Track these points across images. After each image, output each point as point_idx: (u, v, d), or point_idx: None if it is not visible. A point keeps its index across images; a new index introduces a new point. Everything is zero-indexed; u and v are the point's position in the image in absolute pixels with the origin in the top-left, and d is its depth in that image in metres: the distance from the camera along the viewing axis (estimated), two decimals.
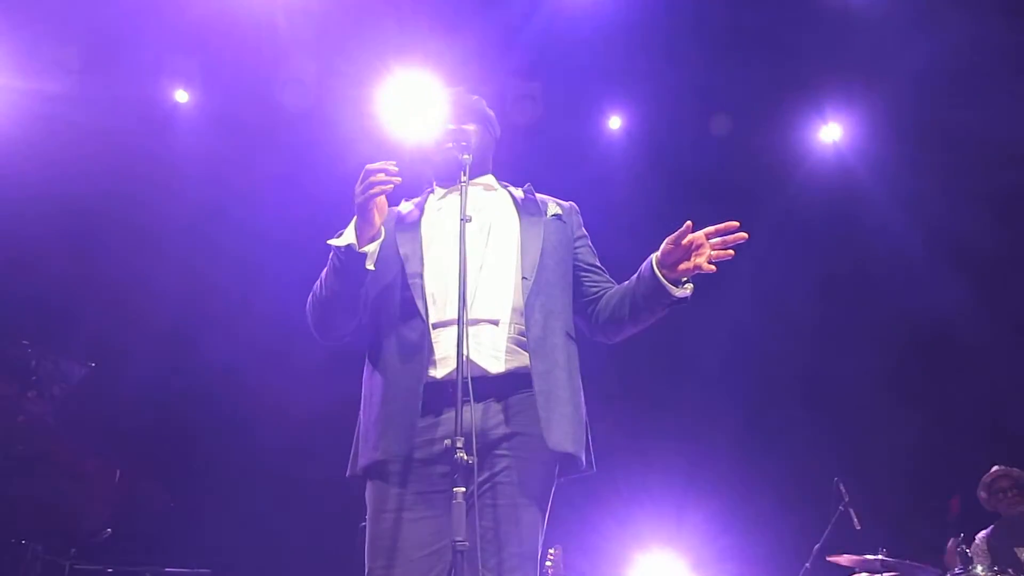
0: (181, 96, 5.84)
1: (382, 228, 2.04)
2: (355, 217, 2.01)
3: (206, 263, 5.79)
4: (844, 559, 4.53)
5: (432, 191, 2.31)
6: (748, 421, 5.99)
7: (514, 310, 2.03)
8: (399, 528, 1.92)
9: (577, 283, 2.22)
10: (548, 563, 4.21)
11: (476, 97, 2.36)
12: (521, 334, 2.01)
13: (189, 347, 5.63)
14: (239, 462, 5.44)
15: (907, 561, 4.42)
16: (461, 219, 1.97)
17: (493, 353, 1.98)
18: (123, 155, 5.59)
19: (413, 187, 2.36)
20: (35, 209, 5.40)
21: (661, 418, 6.00)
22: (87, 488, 4.27)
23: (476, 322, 1.97)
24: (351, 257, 1.98)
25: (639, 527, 5.71)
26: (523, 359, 1.99)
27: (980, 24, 5.23)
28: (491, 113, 2.40)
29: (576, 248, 2.25)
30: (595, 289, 2.22)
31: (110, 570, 4.22)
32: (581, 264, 2.24)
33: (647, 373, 6.15)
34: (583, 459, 2.03)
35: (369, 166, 1.97)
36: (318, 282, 2.11)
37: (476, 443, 1.79)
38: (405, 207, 2.29)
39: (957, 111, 5.74)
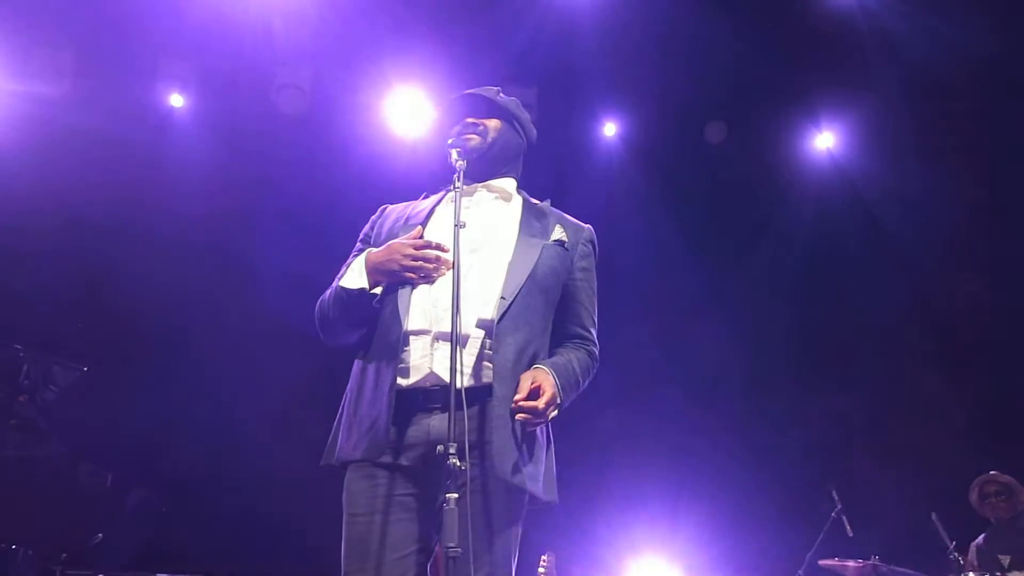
0: (176, 100, 5.84)
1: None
2: (364, 263, 2.06)
3: (201, 266, 5.79)
4: (837, 565, 4.54)
5: (448, 190, 2.25)
6: (741, 426, 6.00)
7: (487, 329, 1.98)
8: (374, 531, 1.93)
9: (559, 311, 2.16)
10: (541, 569, 4.21)
11: (512, 98, 2.32)
12: (489, 349, 1.97)
13: (182, 350, 5.62)
14: (232, 467, 5.42)
15: (899, 567, 4.42)
16: (455, 225, 1.97)
17: (459, 368, 1.92)
18: (118, 159, 5.58)
19: (432, 183, 2.36)
20: (29, 212, 5.39)
21: (654, 424, 6.00)
22: (78, 493, 4.25)
23: (446, 336, 1.92)
24: (362, 297, 2.05)
25: (632, 533, 5.71)
26: (487, 375, 1.96)
27: (974, 33, 5.28)
28: (524, 114, 2.35)
29: (573, 278, 2.17)
30: (565, 331, 2.17)
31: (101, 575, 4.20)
32: (570, 297, 2.17)
33: (640, 379, 6.15)
34: (531, 492, 1.97)
35: (428, 250, 2.02)
36: (327, 299, 2.14)
37: (453, 449, 1.77)
38: (421, 204, 2.28)
39: (949, 117, 5.79)
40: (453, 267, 1.93)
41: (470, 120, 2.23)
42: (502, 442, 1.92)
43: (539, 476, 2.01)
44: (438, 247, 2.03)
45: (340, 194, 5.50)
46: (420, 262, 2.01)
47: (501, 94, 2.32)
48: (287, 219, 5.59)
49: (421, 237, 2.09)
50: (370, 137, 5.92)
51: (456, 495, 1.75)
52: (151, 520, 4.69)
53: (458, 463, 1.76)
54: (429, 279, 2.02)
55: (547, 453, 2.08)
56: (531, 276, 2.05)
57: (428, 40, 5.64)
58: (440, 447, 1.79)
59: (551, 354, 2.12)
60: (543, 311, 2.09)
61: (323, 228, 5.08)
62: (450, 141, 2.17)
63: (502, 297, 2.00)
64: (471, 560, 1.83)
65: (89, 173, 5.46)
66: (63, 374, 4.35)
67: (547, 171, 5.85)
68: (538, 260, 2.08)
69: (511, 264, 2.06)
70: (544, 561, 4.23)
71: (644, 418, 6.04)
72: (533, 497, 2.01)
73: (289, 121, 5.87)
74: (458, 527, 1.72)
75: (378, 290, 2.06)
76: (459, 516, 1.73)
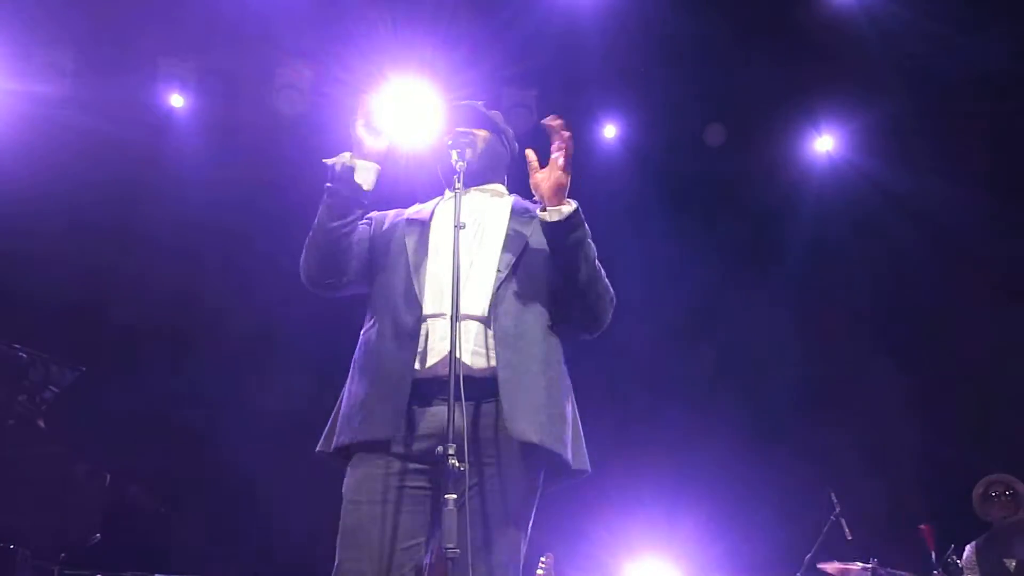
0: (176, 101, 5.84)
1: (377, 166, 2.14)
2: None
3: (200, 267, 5.79)
4: (835, 568, 4.54)
5: (443, 195, 2.33)
6: (741, 429, 5.99)
7: (492, 305, 2.03)
8: (373, 521, 1.92)
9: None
10: (540, 571, 4.20)
11: (495, 112, 2.40)
12: (492, 324, 2.01)
13: (182, 351, 5.61)
14: (230, 468, 5.42)
15: (898, 571, 4.42)
16: (455, 226, 1.99)
17: (477, 349, 1.99)
18: (118, 159, 5.59)
19: (426, 189, 2.39)
20: (29, 211, 5.38)
21: (653, 424, 6.00)
22: (77, 493, 4.25)
23: (463, 318, 1.97)
24: (344, 175, 2.08)
25: (631, 534, 5.71)
26: (492, 355, 1.99)
27: (975, 36, 5.29)
28: (508, 129, 2.43)
29: None
30: None
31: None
32: None
33: (639, 378, 6.15)
34: (560, 453, 1.99)
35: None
36: (314, 224, 2.16)
37: (465, 446, 1.78)
38: (418, 207, 2.32)
39: (951, 121, 5.80)
40: (453, 267, 1.94)
41: (461, 129, 2.26)
42: (515, 403, 1.92)
43: (566, 438, 2.02)
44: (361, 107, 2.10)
45: None
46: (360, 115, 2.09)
47: (484, 107, 2.39)
48: (287, 219, 5.57)
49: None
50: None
51: (455, 496, 1.74)
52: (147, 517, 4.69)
53: (457, 464, 1.75)
54: (365, 113, 2.10)
55: (573, 415, 2.09)
56: (526, 249, 2.11)
57: (428, 42, 5.64)
58: (440, 448, 1.79)
59: (561, 327, 2.13)
60: (547, 277, 2.11)
61: None
62: (449, 142, 2.19)
63: (498, 271, 2.06)
64: (470, 562, 1.82)
65: (89, 173, 5.46)
66: (63, 374, 4.34)
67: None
68: (532, 233, 2.14)
69: (505, 242, 2.12)
70: (543, 562, 4.22)
71: (643, 419, 6.04)
72: (563, 467, 2.01)
73: (289, 122, 5.87)
74: (457, 528, 1.72)
75: (361, 162, 2.10)
76: (459, 517, 1.73)
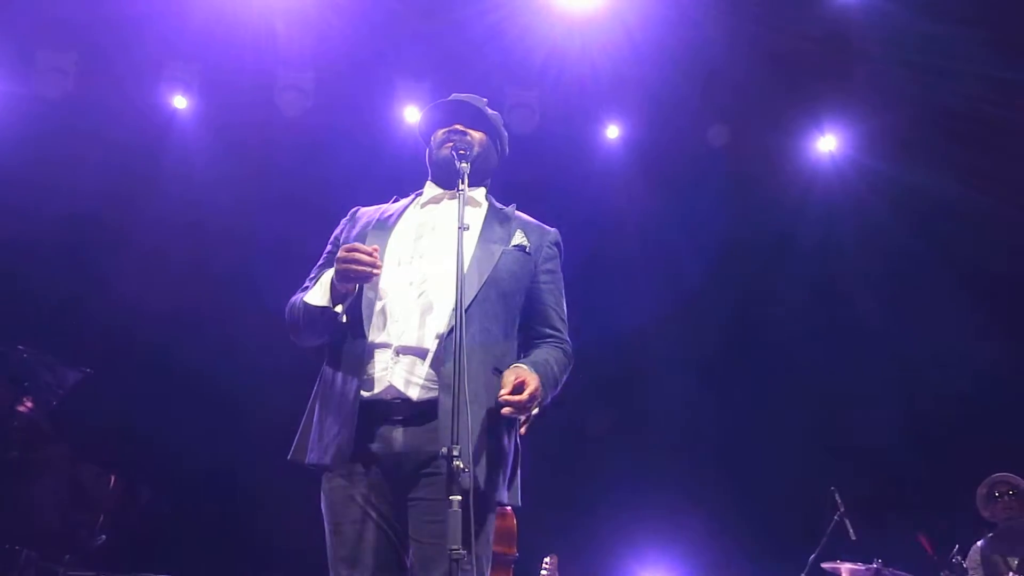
0: (180, 102, 5.85)
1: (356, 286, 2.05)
2: (331, 278, 2.03)
3: (201, 268, 5.79)
4: (839, 568, 4.53)
5: (420, 193, 2.29)
6: (744, 430, 5.99)
7: (440, 338, 1.98)
8: (358, 540, 1.96)
9: (526, 314, 2.18)
10: (544, 572, 4.21)
11: (495, 113, 2.34)
12: (443, 364, 1.95)
13: (184, 352, 5.62)
14: (234, 470, 5.43)
15: (902, 572, 4.42)
16: (459, 227, 1.96)
17: (416, 381, 1.97)
18: (121, 160, 5.60)
19: (407, 183, 2.38)
20: (31, 213, 5.40)
21: (657, 426, 6.00)
22: (82, 494, 4.26)
23: (406, 350, 1.98)
24: (325, 313, 2.04)
25: (634, 535, 5.71)
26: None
27: (976, 40, 5.29)
28: (504, 132, 2.37)
29: (538, 282, 2.18)
30: (536, 332, 2.19)
31: None
32: (537, 300, 2.19)
33: (641, 381, 6.15)
34: (496, 498, 2.00)
35: (357, 253, 1.96)
36: (297, 307, 2.13)
37: (457, 452, 1.77)
38: (391, 207, 2.28)
39: (951, 121, 5.80)
40: (456, 267, 1.91)
41: (459, 127, 2.23)
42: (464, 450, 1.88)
43: (502, 480, 2.02)
44: (365, 251, 1.98)
45: (342, 196, 5.49)
46: (347, 264, 1.97)
47: (487, 107, 2.32)
48: (289, 220, 5.59)
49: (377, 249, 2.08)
50: (373, 139, 5.93)
51: (459, 498, 1.75)
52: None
53: (461, 466, 1.76)
54: (364, 279, 2.00)
55: (513, 457, 2.08)
56: (487, 283, 2.06)
57: (431, 41, 5.64)
58: (444, 449, 1.80)
59: (519, 356, 2.13)
60: (504, 316, 2.09)
61: (325, 229, 5.08)
62: (442, 144, 2.19)
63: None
64: (473, 563, 1.83)
65: (92, 174, 5.47)
66: (67, 375, 4.36)
67: (548, 173, 5.85)
68: (496, 266, 2.09)
69: (467, 273, 2.02)
70: (547, 564, 4.23)
71: (646, 420, 6.04)
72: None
73: (291, 123, 5.88)
74: (461, 529, 1.72)
75: (339, 308, 2.04)
76: (463, 519, 1.73)
